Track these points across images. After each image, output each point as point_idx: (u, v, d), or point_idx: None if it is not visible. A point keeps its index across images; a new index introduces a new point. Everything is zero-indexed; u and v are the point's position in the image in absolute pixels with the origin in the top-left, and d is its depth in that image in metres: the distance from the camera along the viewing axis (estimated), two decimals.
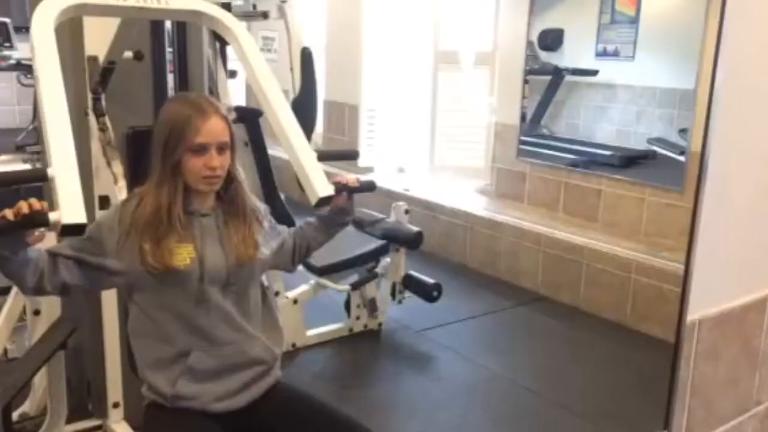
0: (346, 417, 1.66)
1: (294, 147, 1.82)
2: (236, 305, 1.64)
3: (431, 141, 5.27)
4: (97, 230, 1.57)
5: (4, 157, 3.82)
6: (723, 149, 1.50)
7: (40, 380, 2.42)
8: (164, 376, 1.60)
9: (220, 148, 1.58)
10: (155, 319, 1.59)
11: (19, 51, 4.21)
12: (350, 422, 1.65)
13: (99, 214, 1.60)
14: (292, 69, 3.06)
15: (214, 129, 1.57)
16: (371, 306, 3.49)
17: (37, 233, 1.47)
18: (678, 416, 1.56)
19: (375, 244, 3.43)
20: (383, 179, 4.60)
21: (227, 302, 1.62)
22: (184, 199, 1.59)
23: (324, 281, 3.33)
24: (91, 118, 2.28)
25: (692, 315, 1.53)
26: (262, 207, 1.76)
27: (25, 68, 4.28)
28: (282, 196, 3.24)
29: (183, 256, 1.56)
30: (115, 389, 2.43)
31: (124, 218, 1.57)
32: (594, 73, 4.22)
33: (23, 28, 4.23)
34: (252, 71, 1.92)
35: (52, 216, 1.47)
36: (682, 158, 3.74)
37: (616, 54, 4.06)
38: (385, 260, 3.48)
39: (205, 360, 1.59)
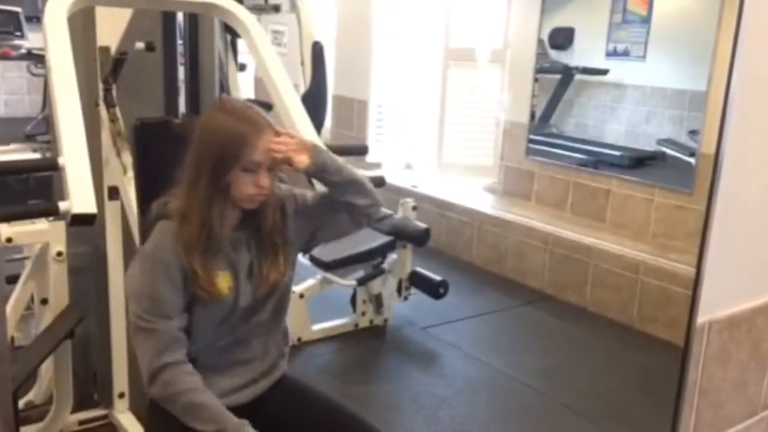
0: (350, 411, 1.66)
1: None
2: (262, 326, 1.60)
3: (439, 138, 5.26)
4: (166, 286, 1.47)
5: (14, 146, 3.84)
6: (737, 151, 1.48)
7: (46, 369, 2.43)
8: None
9: (271, 167, 1.50)
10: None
11: (30, 41, 4.22)
12: (355, 417, 1.65)
13: (144, 256, 1.52)
14: (302, 63, 3.06)
15: (268, 146, 1.48)
16: (377, 302, 3.49)
17: None
18: (685, 419, 1.55)
19: (382, 240, 3.43)
20: (391, 175, 4.59)
21: (253, 323, 1.58)
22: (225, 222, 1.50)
23: (330, 276, 3.34)
24: (102, 108, 2.28)
25: (702, 317, 1.51)
26: (285, 193, 1.63)
27: (35, 58, 4.29)
28: None
29: (224, 284, 1.51)
30: (120, 379, 2.44)
31: (175, 244, 1.47)
32: (604, 72, 4.21)
33: (34, 18, 4.25)
34: (263, 64, 1.92)
35: (63, 205, 1.47)
36: (691, 160, 3.72)
37: (626, 54, 4.04)
38: (392, 256, 3.47)
39: (216, 360, 1.57)
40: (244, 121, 1.48)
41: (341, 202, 1.60)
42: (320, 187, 1.66)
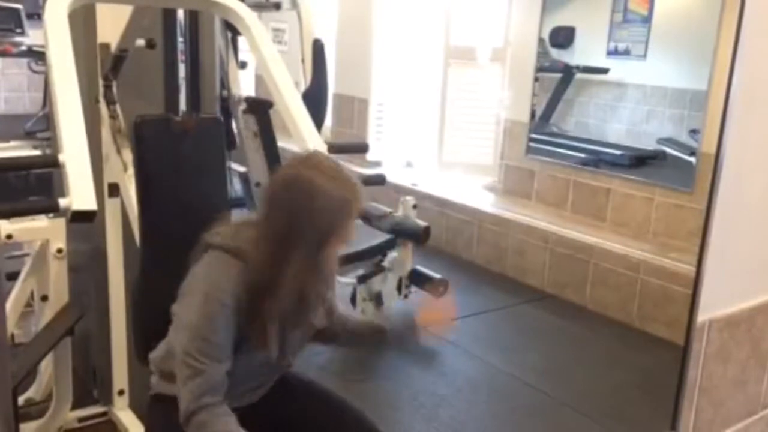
0: (352, 407, 1.67)
1: (305, 139, 1.82)
2: (288, 359, 1.60)
3: (440, 136, 5.26)
4: (223, 331, 1.41)
5: (14, 143, 3.83)
6: (738, 151, 1.49)
7: (46, 366, 2.43)
8: None
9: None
10: None
11: (31, 37, 4.22)
12: (356, 413, 1.65)
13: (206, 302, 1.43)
14: (303, 60, 3.04)
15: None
16: (377, 300, 3.49)
17: None
18: (685, 417, 1.56)
19: (382, 238, 3.43)
20: (391, 174, 4.59)
21: (283, 361, 1.56)
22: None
23: None
24: (102, 105, 2.28)
25: (702, 316, 1.52)
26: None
27: (36, 55, 4.28)
28: None
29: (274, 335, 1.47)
30: (120, 377, 2.44)
31: (236, 286, 1.39)
32: (605, 71, 4.20)
33: (35, 15, 4.24)
34: (264, 62, 1.92)
35: (63, 202, 1.47)
36: (692, 159, 3.72)
37: (627, 53, 4.04)
38: (392, 254, 3.47)
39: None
40: (345, 187, 1.35)
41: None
42: None
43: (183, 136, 1.81)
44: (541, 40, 4.42)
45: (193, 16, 2.47)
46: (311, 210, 1.32)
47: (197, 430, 1.43)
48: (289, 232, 1.34)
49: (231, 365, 1.44)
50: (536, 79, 4.50)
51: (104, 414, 2.51)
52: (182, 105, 2.46)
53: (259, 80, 4.04)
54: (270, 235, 1.36)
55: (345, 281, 3.39)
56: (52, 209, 1.47)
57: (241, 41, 3.05)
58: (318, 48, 3.06)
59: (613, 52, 4.12)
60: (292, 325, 1.50)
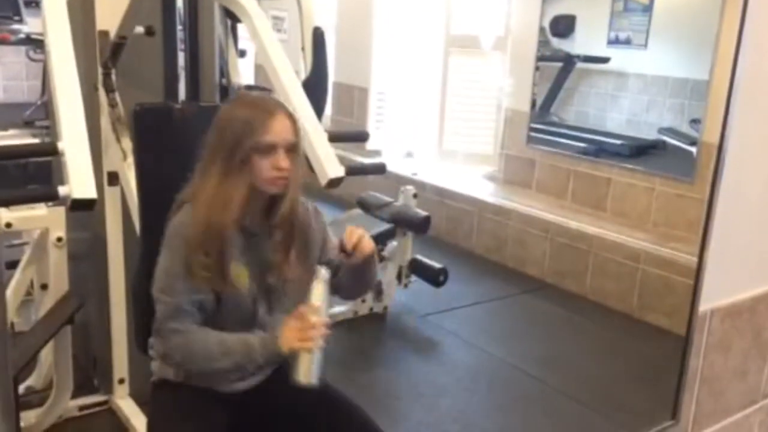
0: (348, 399, 1.68)
1: (305, 127, 1.81)
2: (280, 320, 1.59)
3: (440, 126, 5.24)
4: (181, 263, 1.48)
5: (12, 132, 3.82)
6: (740, 141, 1.48)
7: (46, 355, 2.43)
8: None
9: (289, 149, 1.50)
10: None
11: (29, 25, 4.20)
12: (353, 405, 1.66)
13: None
14: (303, 49, 3.02)
15: (283, 127, 1.50)
16: (377, 289, 3.48)
17: None
18: (686, 406, 1.56)
19: (382, 227, 3.42)
20: (391, 163, 4.58)
21: (273, 319, 1.58)
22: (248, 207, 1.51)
23: None
24: (101, 93, 2.27)
25: (704, 305, 1.52)
26: (319, 222, 1.65)
27: (34, 43, 4.26)
28: None
29: (241, 278, 1.52)
30: (120, 365, 2.45)
31: (187, 232, 1.49)
32: (605, 60, 4.19)
33: (32, 2, 4.21)
34: (264, 50, 1.91)
35: (62, 190, 1.46)
36: (692, 149, 3.71)
37: (628, 42, 4.02)
38: (392, 244, 3.47)
39: None
40: (254, 106, 1.51)
41: (348, 274, 1.64)
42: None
43: (183, 125, 1.80)
44: (541, 29, 4.40)
45: (192, 4, 2.45)
46: (223, 129, 1.51)
47: (179, 354, 1.49)
48: (210, 153, 1.51)
49: (209, 306, 1.49)
50: (537, 69, 4.48)
51: (105, 402, 2.52)
52: (181, 93, 2.45)
53: (259, 69, 4.02)
54: (200, 163, 1.52)
55: None
56: (52, 197, 1.47)
57: (241, 29, 3.03)
58: (318, 36, 3.04)
59: (613, 42, 4.10)
60: (260, 265, 1.54)
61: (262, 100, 1.55)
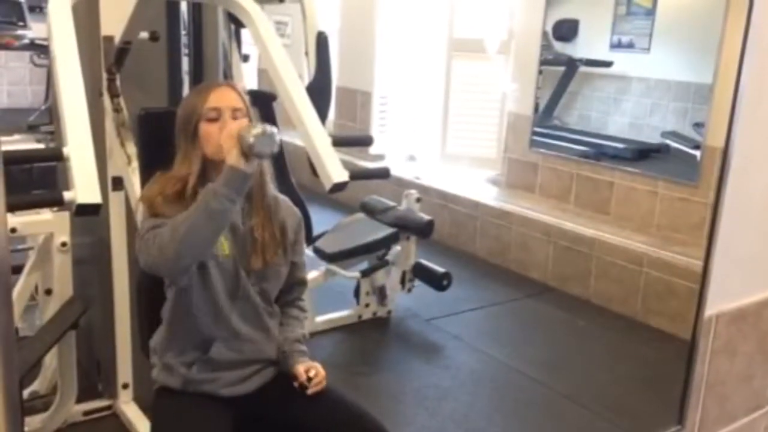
0: (354, 403, 1.67)
1: (309, 131, 1.82)
2: (264, 303, 1.65)
3: (443, 129, 5.24)
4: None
5: (17, 137, 3.83)
6: (746, 145, 1.48)
7: (50, 359, 2.43)
8: (181, 360, 1.60)
9: (235, 115, 1.58)
10: (191, 307, 1.59)
11: (33, 30, 4.20)
12: (358, 409, 1.66)
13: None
14: (307, 53, 3.03)
15: (224, 95, 1.60)
16: (381, 294, 3.49)
17: None
18: (692, 411, 1.55)
19: (386, 231, 3.42)
20: (395, 167, 4.58)
21: (258, 298, 1.63)
22: (208, 179, 1.57)
23: (334, 268, 3.33)
24: (106, 98, 2.27)
25: (710, 310, 1.51)
26: (295, 216, 1.72)
27: (38, 48, 4.27)
28: (293, 181, 3.22)
29: (221, 244, 1.57)
30: (124, 370, 2.44)
31: (157, 203, 1.57)
32: (608, 64, 4.18)
33: (37, 8, 4.23)
34: (268, 54, 1.91)
35: (67, 195, 1.46)
36: (695, 152, 3.70)
37: (631, 46, 4.02)
38: (396, 248, 3.46)
39: (224, 353, 1.61)
40: (201, 87, 1.66)
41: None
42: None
43: None
44: (544, 33, 4.40)
45: (196, 9, 2.46)
46: (178, 117, 1.63)
47: (153, 248, 1.51)
48: (176, 139, 1.63)
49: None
50: (540, 72, 4.48)
51: (109, 407, 2.52)
52: None
53: (262, 73, 4.03)
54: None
55: (349, 275, 3.39)
56: (57, 203, 1.47)
57: (244, 34, 3.03)
58: (322, 40, 3.05)
59: (616, 45, 4.10)
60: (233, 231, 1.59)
61: (207, 82, 1.73)
